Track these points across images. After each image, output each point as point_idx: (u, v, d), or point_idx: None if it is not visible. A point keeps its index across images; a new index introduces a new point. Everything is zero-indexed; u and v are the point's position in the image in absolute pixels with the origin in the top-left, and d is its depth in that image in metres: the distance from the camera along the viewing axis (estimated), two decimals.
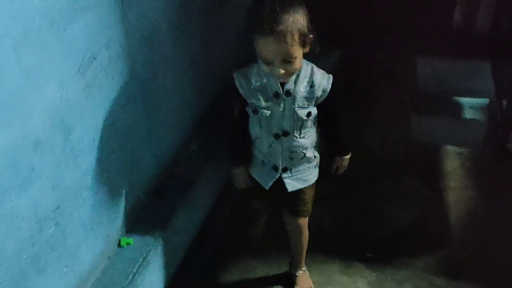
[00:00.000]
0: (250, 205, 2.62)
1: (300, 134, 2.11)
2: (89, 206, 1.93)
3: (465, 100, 3.57)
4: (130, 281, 2.05)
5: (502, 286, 2.45)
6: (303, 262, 2.51)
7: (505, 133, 3.30)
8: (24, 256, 1.61)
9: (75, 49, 1.72)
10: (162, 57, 2.34)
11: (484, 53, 3.59)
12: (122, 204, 2.18)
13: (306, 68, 2.05)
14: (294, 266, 2.51)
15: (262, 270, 2.59)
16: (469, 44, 3.67)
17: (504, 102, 3.36)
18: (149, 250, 2.19)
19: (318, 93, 2.06)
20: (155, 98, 2.32)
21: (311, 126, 2.12)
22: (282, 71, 1.92)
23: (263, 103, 2.08)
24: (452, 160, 3.32)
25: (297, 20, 1.86)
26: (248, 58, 3.31)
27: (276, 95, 2.05)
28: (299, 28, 1.86)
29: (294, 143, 2.13)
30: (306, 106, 2.06)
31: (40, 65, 1.56)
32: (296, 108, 2.05)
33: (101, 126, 1.95)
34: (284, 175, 2.21)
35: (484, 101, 3.56)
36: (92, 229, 1.98)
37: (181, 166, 2.57)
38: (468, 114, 3.50)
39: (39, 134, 1.60)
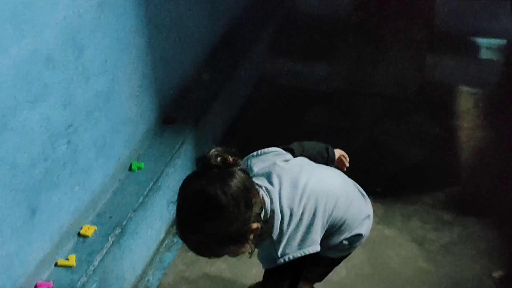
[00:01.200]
0: None
1: None
2: (101, 127, 1.94)
3: (482, 40, 3.51)
4: (141, 203, 2.09)
5: (507, 223, 2.47)
6: None
7: None
8: (37, 171, 1.63)
9: None
10: None
11: None
12: (133, 129, 2.19)
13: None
14: None
15: None
16: None
17: None
18: (160, 175, 2.21)
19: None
20: (168, 23, 2.29)
21: None
22: None
23: None
24: (466, 100, 3.29)
25: (203, 239, 1.45)
26: None
27: None
28: (207, 249, 1.48)
29: None
30: None
31: None
32: None
33: (114, 48, 1.94)
34: None
35: (501, 41, 3.49)
36: (104, 151, 2.00)
37: (193, 94, 2.57)
38: (485, 54, 3.44)
39: (51, 50, 1.60)
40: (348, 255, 1.83)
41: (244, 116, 3.05)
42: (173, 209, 1.50)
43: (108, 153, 2.03)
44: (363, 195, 1.80)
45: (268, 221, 1.51)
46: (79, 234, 1.92)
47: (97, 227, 1.95)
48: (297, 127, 3.04)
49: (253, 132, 2.98)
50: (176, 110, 2.50)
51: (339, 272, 2.22)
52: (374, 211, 2.54)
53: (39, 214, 1.68)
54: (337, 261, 1.84)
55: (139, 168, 2.21)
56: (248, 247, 1.53)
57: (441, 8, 3.60)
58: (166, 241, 2.37)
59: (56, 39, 1.60)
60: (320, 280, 1.94)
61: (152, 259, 2.26)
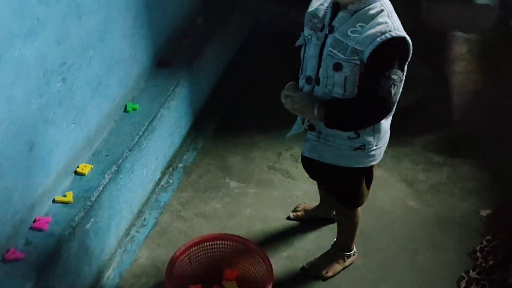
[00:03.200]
0: None
1: (332, 88, 1.63)
2: (95, 66, 1.96)
3: None
4: (136, 143, 2.12)
5: (496, 164, 2.52)
6: (344, 249, 2.09)
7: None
8: (33, 106, 1.66)
9: None
10: None
11: None
12: (128, 70, 2.21)
13: (370, 8, 1.55)
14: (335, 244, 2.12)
15: (264, 144, 2.65)
16: None
17: None
18: (155, 116, 2.24)
19: (357, 45, 1.54)
20: None
21: (343, 87, 1.61)
22: None
23: (307, 33, 1.68)
24: (460, 46, 3.30)
25: None
26: None
27: (323, 27, 1.63)
28: None
29: (325, 97, 1.65)
30: (339, 54, 1.58)
31: None
32: (329, 49, 1.60)
33: None
34: (309, 134, 1.76)
35: None
36: (99, 90, 2.02)
37: (187, 37, 2.57)
38: None
39: None
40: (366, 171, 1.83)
41: (239, 60, 3.06)
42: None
43: (103, 92, 2.05)
44: None
45: None
46: (76, 172, 1.96)
47: (93, 165, 1.99)
48: (291, 72, 3.05)
49: (247, 75, 3.00)
50: (171, 53, 2.51)
51: None
52: None
53: (37, 149, 1.72)
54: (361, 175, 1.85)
55: (134, 109, 2.24)
56: None
57: None
58: (162, 182, 2.42)
59: None
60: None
61: (148, 198, 2.32)
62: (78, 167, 1.97)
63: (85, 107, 1.95)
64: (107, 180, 1.96)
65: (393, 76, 1.55)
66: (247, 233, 2.21)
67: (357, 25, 1.55)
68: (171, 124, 2.41)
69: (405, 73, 1.64)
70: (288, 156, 2.57)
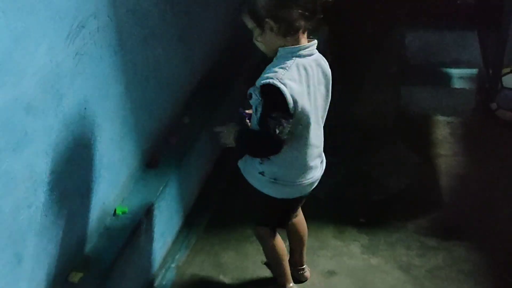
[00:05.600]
0: None
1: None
2: (83, 173, 1.98)
3: (454, 71, 3.60)
4: (127, 246, 2.10)
5: (490, 245, 2.51)
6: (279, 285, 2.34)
7: (490, 93, 3.36)
8: (21, 217, 1.65)
9: (63, 16, 1.75)
10: (150, 30, 2.38)
11: (471, 22, 3.61)
12: (117, 174, 2.22)
13: (273, 64, 1.84)
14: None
15: None
16: (456, 13, 3.68)
17: (491, 71, 3.42)
18: (144, 219, 2.24)
19: (257, 83, 1.84)
20: (145, 68, 2.36)
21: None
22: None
23: None
24: (442, 129, 3.37)
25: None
26: (238, 33, 3.33)
27: None
28: (252, 8, 1.78)
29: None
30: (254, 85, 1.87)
31: (29, 29, 1.59)
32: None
33: (93, 95, 1.99)
34: None
35: (472, 71, 3.58)
36: (88, 196, 2.02)
37: (174, 138, 2.61)
38: (458, 84, 3.53)
39: (31, 98, 1.64)
40: (283, 202, 2.06)
41: (227, 154, 3.09)
42: None
43: (92, 198, 2.05)
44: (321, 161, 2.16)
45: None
46: (66, 281, 1.93)
47: (83, 272, 1.96)
48: None
49: (236, 169, 3.02)
50: (159, 153, 2.54)
51: None
52: (359, 240, 2.60)
53: (25, 261, 1.70)
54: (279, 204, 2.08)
55: (123, 212, 2.23)
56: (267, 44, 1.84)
57: (412, 42, 3.71)
58: (155, 284, 2.37)
59: (35, 88, 1.65)
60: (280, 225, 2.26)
61: None
62: (68, 275, 1.94)
63: (74, 214, 1.94)
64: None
65: (277, 117, 1.75)
66: None
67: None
68: (162, 224, 2.40)
69: (299, 116, 1.83)
70: None
